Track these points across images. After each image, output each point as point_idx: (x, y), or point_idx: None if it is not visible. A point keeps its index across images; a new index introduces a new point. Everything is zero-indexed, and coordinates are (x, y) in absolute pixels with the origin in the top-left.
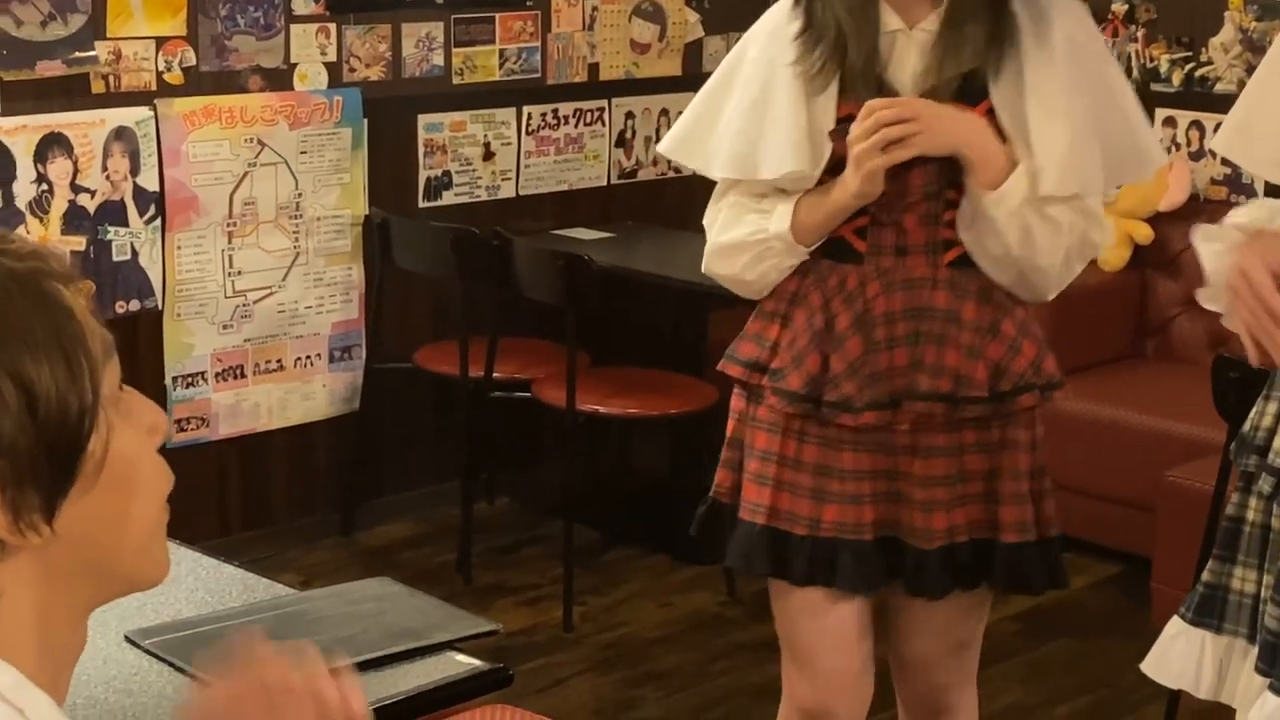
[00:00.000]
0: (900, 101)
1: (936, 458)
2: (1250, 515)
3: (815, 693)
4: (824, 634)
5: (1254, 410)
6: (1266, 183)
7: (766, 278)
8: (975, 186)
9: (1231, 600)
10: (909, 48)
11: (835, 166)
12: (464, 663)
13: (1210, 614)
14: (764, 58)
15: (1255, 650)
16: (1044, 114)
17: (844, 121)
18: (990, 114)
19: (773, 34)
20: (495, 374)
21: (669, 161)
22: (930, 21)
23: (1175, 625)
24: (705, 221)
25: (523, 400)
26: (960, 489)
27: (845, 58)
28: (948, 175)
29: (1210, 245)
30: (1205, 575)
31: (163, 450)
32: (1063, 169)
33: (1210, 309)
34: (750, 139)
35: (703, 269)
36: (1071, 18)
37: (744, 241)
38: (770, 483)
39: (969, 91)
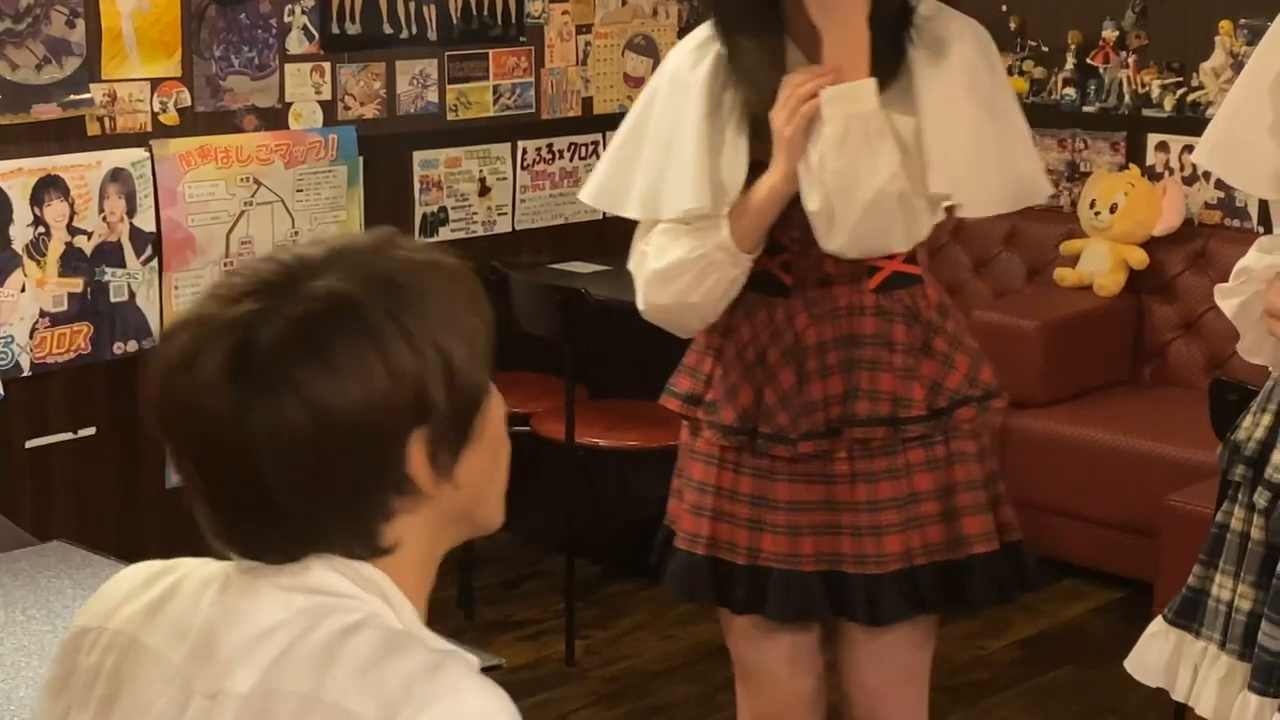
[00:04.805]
0: (813, 69)
1: (881, 481)
2: (1234, 524)
3: (764, 714)
4: (768, 660)
5: (1248, 419)
6: (1259, 209)
7: (711, 295)
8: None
9: (1209, 605)
10: None
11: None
12: None
13: (1191, 617)
14: (671, 102)
15: (1224, 657)
16: (937, 126)
17: (755, 168)
18: None
19: (674, 79)
20: None
21: None
22: None
23: (1156, 624)
24: (631, 265)
25: (522, 434)
26: (913, 510)
27: (752, 103)
28: None
29: (1230, 300)
30: (1190, 579)
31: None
32: (952, 175)
33: (1255, 362)
34: (656, 180)
35: (640, 306)
36: (971, 46)
37: (684, 260)
38: (708, 514)
39: None
